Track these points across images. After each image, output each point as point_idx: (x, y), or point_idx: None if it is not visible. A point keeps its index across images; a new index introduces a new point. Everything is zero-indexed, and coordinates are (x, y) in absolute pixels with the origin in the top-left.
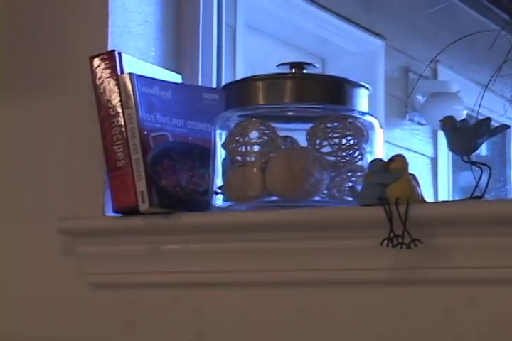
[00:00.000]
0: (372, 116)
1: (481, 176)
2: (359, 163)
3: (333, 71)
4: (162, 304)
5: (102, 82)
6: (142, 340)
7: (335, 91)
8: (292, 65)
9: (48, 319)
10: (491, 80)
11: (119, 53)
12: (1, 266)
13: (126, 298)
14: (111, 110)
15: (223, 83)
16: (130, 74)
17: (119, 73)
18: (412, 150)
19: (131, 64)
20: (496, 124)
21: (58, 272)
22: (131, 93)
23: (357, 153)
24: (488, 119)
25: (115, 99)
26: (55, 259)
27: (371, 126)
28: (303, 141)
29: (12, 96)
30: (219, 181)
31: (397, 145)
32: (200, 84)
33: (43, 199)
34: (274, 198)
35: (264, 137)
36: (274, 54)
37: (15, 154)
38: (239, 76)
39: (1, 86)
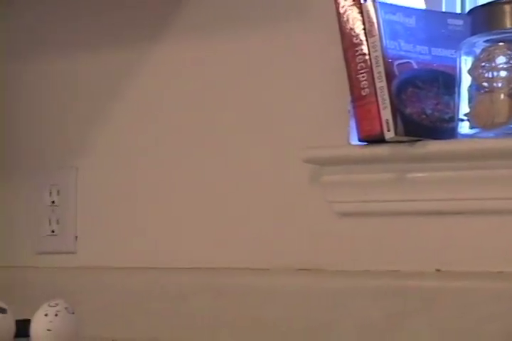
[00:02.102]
0: None
1: None
2: None
3: None
4: (408, 232)
5: (346, 11)
6: (390, 268)
7: None
8: None
9: (295, 247)
10: None
11: None
12: (250, 194)
13: (371, 226)
14: (354, 38)
15: (467, 8)
16: (373, 1)
17: (362, 1)
18: None
19: None
20: None
21: (305, 201)
22: (375, 20)
23: None
24: None
25: (359, 27)
26: (302, 188)
27: None
28: None
29: (252, 25)
30: (464, 108)
31: None
32: (443, 9)
33: (288, 128)
34: None
35: None
36: None
37: (260, 84)
38: (482, 0)
39: (239, 15)
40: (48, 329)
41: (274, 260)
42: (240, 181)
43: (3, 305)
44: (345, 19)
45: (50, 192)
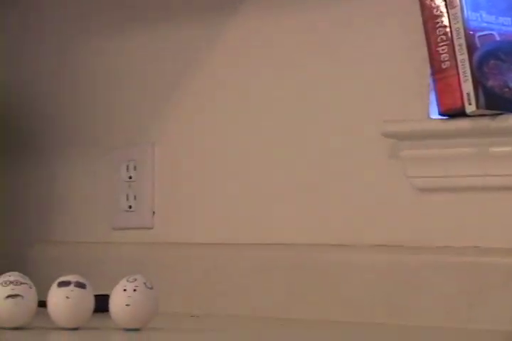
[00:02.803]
0: None
1: None
2: None
3: None
4: (489, 207)
5: None
6: (471, 244)
7: None
8: None
9: (374, 223)
10: None
11: None
12: (328, 170)
13: (451, 201)
14: (435, 10)
15: None
16: None
17: None
18: None
19: None
20: None
21: (384, 176)
22: None
23: None
24: None
25: None
26: (381, 163)
27: None
28: None
29: None
30: None
31: None
32: None
33: (367, 102)
34: None
35: None
36: None
37: (340, 57)
38: None
39: None
40: (127, 305)
41: (354, 236)
42: (318, 156)
43: (83, 280)
44: None
45: (127, 168)
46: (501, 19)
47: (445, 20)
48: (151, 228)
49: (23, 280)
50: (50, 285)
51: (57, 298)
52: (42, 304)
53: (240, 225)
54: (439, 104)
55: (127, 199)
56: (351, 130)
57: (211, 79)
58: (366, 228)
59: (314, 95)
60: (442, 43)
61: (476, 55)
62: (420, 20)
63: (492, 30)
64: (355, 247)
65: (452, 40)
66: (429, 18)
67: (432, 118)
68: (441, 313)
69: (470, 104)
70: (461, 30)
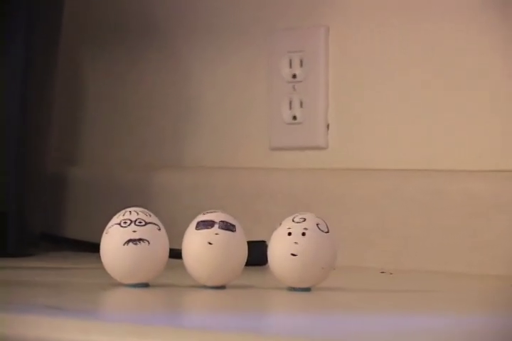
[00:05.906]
0: None
1: None
2: None
3: None
4: None
5: None
6: None
7: None
8: None
9: None
10: None
11: None
12: None
13: None
14: None
15: None
16: None
17: None
18: None
19: None
20: None
21: None
22: None
23: None
24: None
25: None
26: None
27: None
28: None
29: None
30: None
31: None
32: None
33: None
34: None
35: None
36: None
37: None
38: None
39: None
40: (293, 254)
41: None
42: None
43: (231, 220)
44: None
45: (290, 63)
46: None
47: None
48: (325, 148)
49: (148, 220)
50: (185, 227)
51: (196, 245)
52: (174, 253)
53: (433, 150)
54: None
55: (290, 107)
56: None
57: None
58: None
59: None
60: None
61: None
62: None
63: None
64: None
65: None
66: None
67: None
68: None
69: None
70: None
